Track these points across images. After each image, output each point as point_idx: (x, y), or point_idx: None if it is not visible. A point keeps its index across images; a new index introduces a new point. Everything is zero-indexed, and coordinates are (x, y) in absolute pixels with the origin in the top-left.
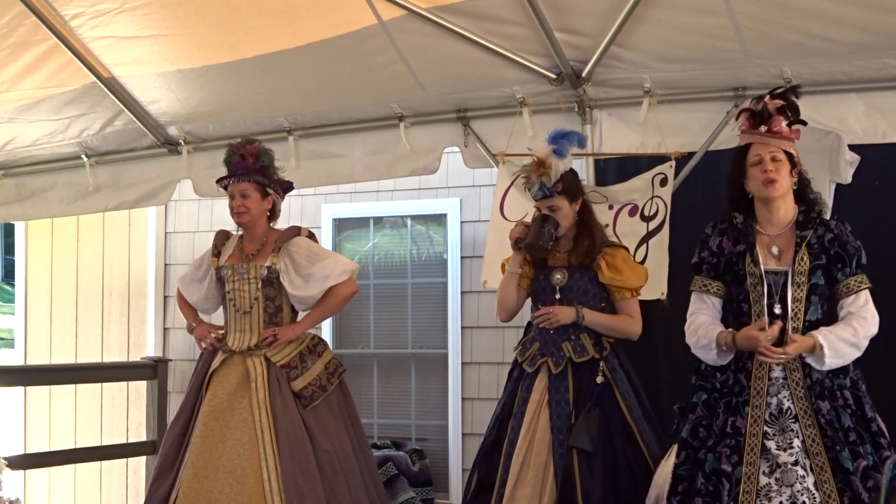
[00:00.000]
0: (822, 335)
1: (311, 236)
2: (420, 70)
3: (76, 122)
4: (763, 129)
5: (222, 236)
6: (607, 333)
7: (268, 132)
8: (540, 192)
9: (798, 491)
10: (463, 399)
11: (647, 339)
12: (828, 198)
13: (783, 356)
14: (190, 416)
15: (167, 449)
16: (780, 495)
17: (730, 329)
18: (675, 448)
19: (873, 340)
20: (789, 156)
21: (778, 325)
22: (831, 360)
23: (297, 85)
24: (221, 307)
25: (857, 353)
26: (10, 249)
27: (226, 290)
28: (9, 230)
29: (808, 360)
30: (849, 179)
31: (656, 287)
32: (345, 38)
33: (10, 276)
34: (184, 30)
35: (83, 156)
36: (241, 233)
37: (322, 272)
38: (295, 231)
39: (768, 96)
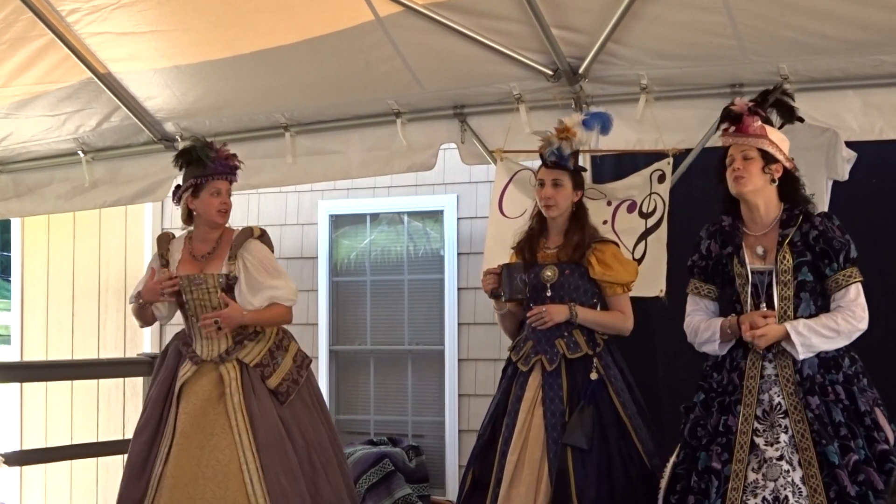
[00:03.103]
0: (792, 328)
1: (263, 236)
2: (417, 66)
3: (73, 118)
4: (732, 129)
5: (165, 241)
6: (600, 330)
7: (264, 128)
8: (553, 156)
9: (781, 485)
10: (459, 395)
11: (645, 336)
12: (825, 195)
13: (761, 332)
14: (158, 424)
15: (134, 457)
16: (765, 490)
17: (732, 315)
18: (678, 447)
19: (872, 335)
20: (764, 153)
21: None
22: (802, 351)
23: (294, 81)
24: (182, 315)
25: (837, 344)
26: (6, 245)
27: (184, 300)
28: (5, 226)
29: (785, 346)
30: (846, 176)
31: (655, 284)
32: (341, 35)
33: (6, 272)
34: (180, 26)
35: (80, 152)
36: (185, 232)
37: (269, 292)
38: (248, 233)
39: (737, 98)
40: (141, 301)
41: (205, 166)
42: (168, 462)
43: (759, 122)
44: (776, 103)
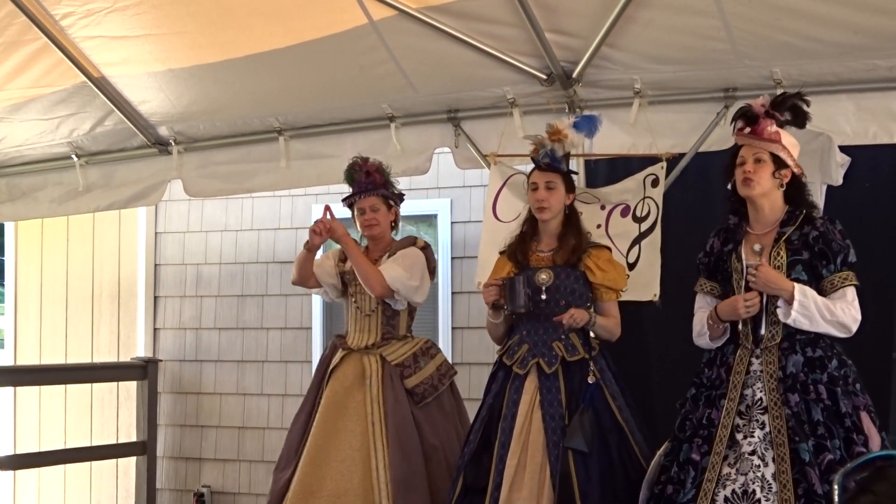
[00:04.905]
0: (799, 288)
1: (426, 248)
2: (411, 70)
3: (66, 121)
4: (747, 130)
5: None
6: (602, 335)
7: (258, 132)
8: (547, 157)
9: (751, 479)
10: None
11: (639, 340)
12: (819, 199)
13: (764, 267)
14: (311, 408)
15: (290, 440)
16: (735, 483)
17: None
18: (668, 440)
19: (864, 338)
20: (776, 157)
21: (756, 296)
22: (797, 315)
23: (288, 85)
24: (344, 307)
25: (826, 328)
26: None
27: (349, 293)
28: None
29: (779, 307)
30: (839, 181)
31: (649, 288)
32: (336, 38)
33: None
34: (174, 29)
35: (73, 156)
36: (366, 243)
37: (388, 264)
38: (411, 241)
39: (758, 99)
40: (306, 246)
41: (352, 188)
42: (308, 442)
43: (775, 127)
44: (792, 107)
